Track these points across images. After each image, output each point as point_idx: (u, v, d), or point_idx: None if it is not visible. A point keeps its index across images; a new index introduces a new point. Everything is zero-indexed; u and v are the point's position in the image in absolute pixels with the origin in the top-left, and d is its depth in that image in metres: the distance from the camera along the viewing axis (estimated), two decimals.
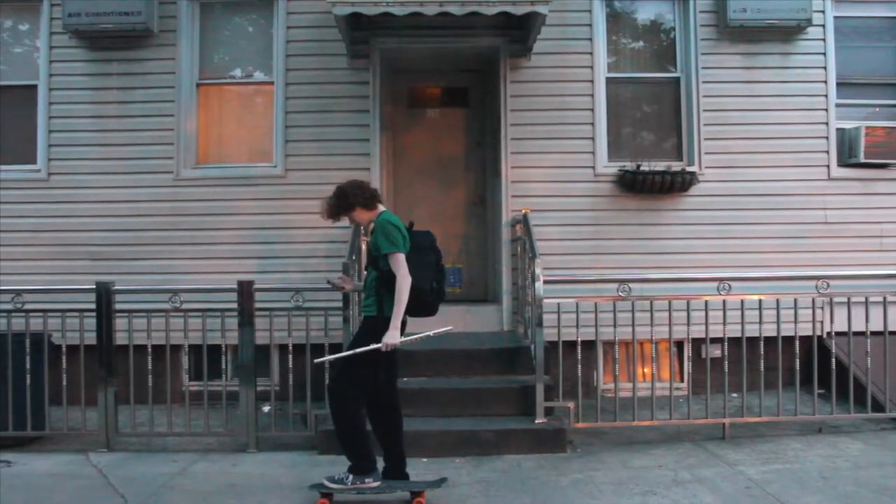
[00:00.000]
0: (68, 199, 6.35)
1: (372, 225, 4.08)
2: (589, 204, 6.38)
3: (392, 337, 3.83)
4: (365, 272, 4.23)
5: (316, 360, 4.40)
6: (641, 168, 6.24)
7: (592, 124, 6.42)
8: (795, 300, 5.20)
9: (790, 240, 6.32)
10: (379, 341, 3.83)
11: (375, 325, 3.90)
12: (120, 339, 5.13)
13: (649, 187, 6.22)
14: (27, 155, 6.42)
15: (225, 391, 5.14)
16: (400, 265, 3.83)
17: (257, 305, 5.06)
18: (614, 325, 5.07)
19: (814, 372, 5.41)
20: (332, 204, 4.07)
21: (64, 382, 5.08)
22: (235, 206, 6.33)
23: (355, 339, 4.05)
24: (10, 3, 6.51)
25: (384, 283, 3.87)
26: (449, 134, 7.01)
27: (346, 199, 4.03)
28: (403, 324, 3.93)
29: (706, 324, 5.11)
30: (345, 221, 4.19)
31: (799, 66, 6.48)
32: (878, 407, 5.25)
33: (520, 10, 5.57)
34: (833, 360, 5.22)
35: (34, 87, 6.44)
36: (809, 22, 6.36)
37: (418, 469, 4.32)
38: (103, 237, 6.32)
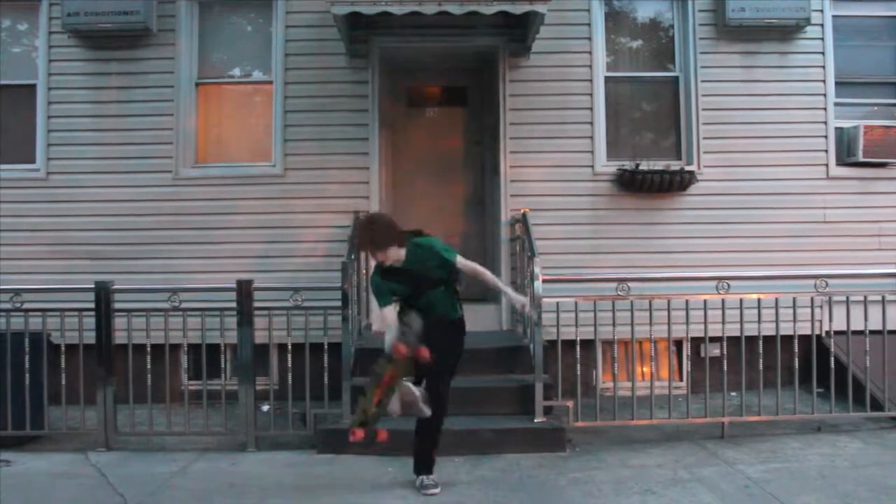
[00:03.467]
0: (67, 198, 6.35)
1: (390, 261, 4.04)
2: (588, 203, 6.38)
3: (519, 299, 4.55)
4: (407, 295, 4.18)
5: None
6: (640, 167, 6.24)
7: (591, 123, 6.42)
8: (794, 299, 5.20)
9: (789, 239, 6.32)
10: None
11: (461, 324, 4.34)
12: (119, 338, 5.13)
13: (648, 186, 6.22)
14: (26, 154, 6.42)
15: (224, 390, 5.14)
16: (464, 259, 4.14)
17: (256, 304, 5.06)
18: (613, 324, 5.07)
19: (813, 371, 5.41)
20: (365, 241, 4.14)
21: (63, 382, 5.07)
22: (234, 205, 6.33)
23: (450, 349, 4.22)
24: (9, 3, 6.50)
25: (454, 289, 4.22)
26: (448, 133, 7.01)
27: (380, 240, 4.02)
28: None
29: (705, 323, 5.11)
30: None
31: (798, 65, 6.48)
32: (876, 406, 5.24)
33: (518, 8, 5.57)
34: (832, 359, 5.21)
35: (33, 86, 6.44)
36: (808, 21, 6.36)
37: None
38: (102, 236, 6.31)
